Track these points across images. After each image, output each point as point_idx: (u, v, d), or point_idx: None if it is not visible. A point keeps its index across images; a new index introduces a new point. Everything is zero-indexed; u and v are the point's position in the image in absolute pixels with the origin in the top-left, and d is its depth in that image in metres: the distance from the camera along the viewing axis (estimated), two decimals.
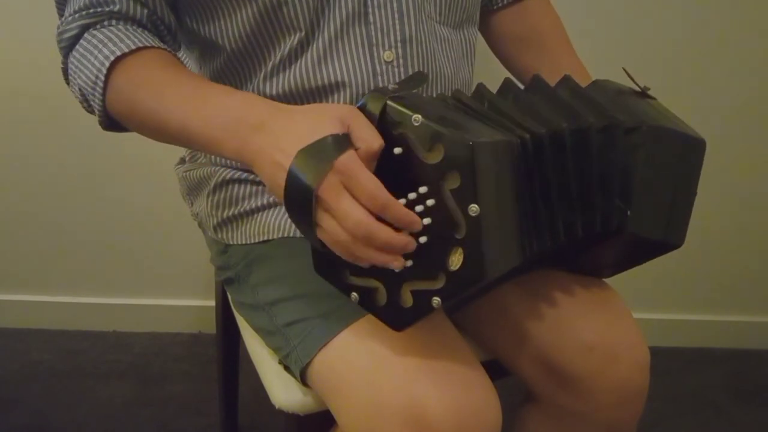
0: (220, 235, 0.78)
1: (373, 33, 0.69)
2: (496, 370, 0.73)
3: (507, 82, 0.65)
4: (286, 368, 0.70)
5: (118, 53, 0.63)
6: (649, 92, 0.66)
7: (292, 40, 0.69)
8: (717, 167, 1.42)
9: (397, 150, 0.53)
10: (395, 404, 0.57)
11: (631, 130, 0.59)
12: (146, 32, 0.67)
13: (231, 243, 0.77)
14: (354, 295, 0.59)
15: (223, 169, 0.77)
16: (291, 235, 0.72)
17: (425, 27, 0.72)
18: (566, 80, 0.65)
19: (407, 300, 0.56)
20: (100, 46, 0.64)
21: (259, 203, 0.75)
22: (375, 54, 0.70)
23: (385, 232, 0.51)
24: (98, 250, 1.49)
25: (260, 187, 0.75)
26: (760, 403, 1.44)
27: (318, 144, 0.51)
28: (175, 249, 1.49)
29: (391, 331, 0.61)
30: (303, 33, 0.68)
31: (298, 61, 0.70)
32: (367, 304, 0.58)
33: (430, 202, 0.52)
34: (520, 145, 0.55)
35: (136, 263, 1.51)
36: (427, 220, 0.53)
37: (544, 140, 0.57)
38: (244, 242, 0.76)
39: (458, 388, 0.58)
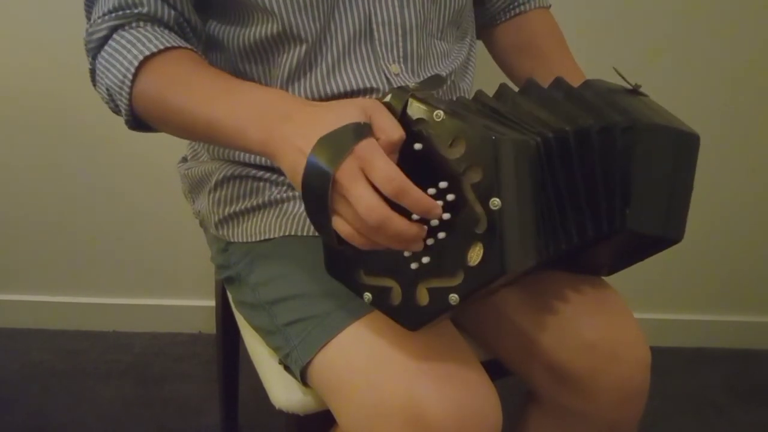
0: (221, 233, 0.79)
1: (378, 49, 0.72)
2: (496, 370, 0.73)
3: (503, 88, 0.65)
4: (286, 368, 0.70)
5: (147, 53, 0.64)
6: (641, 89, 0.67)
7: (299, 51, 0.71)
8: (716, 166, 1.43)
9: (418, 146, 0.53)
10: (395, 404, 0.57)
11: (626, 129, 0.59)
12: (173, 34, 0.68)
13: (232, 241, 0.77)
14: (367, 295, 0.59)
15: (224, 165, 0.77)
16: (292, 233, 0.73)
17: (426, 44, 0.75)
18: (558, 82, 0.65)
19: (423, 298, 0.55)
20: (129, 46, 0.65)
21: (260, 201, 0.75)
22: (382, 66, 0.72)
23: (398, 220, 0.50)
24: (98, 250, 1.49)
25: (261, 183, 0.75)
26: (760, 403, 1.44)
27: (339, 131, 0.51)
28: (175, 249, 1.49)
29: (391, 331, 0.61)
30: (310, 45, 0.70)
31: (307, 76, 0.72)
32: (381, 304, 0.58)
33: (450, 196, 0.52)
34: (540, 145, 0.55)
35: (137, 263, 1.51)
36: (446, 216, 0.52)
37: (567, 139, 0.57)
38: (245, 240, 0.76)
39: (458, 388, 0.58)
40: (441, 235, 0.53)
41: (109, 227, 1.47)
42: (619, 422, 0.72)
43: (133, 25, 0.67)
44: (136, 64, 0.64)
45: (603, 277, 0.74)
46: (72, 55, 1.28)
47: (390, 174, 0.50)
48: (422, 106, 0.54)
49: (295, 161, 0.53)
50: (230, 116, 0.59)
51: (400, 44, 0.73)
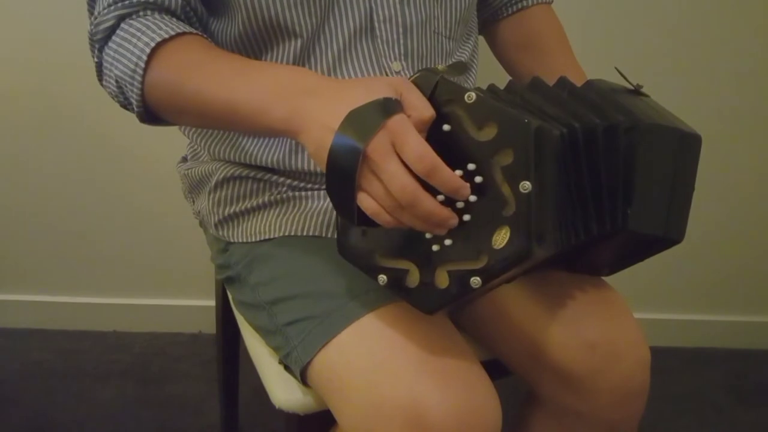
0: (221, 233, 0.79)
1: (379, 45, 0.71)
2: (496, 369, 0.73)
3: (512, 83, 0.65)
4: (287, 368, 0.70)
5: (158, 39, 0.62)
6: (642, 90, 0.67)
7: (294, 46, 0.70)
8: (716, 167, 1.43)
9: (446, 127, 0.53)
10: (395, 404, 0.57)
11: (629, 129, 0.59)
12: (180, 22, 0.67)
13: (232, 241, 0.77)
14: (382, 277, 0.58)
15: (224, 165, 0.77)
16: (293, 233, 0.73)
17: (429, 42, 0.74)
18: (562, 81, 0.65)
19: (442, 281, 0.55)
20: (139, 34, 0.63)
21: (260, 201, 0.75)
22: (383, 64, 0.72)
23: (429, 201, 0.50)
24: (98, 250, 1.49)
25: (261, 184, 0.75)
26: (760, 403, 1.44)
27: (368, 105, 0.50)
28: (175, 249, 1.49)
29: (391, 331, 0.61)
30: (305, 40, 0.69)
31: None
32: (396, 287, 0.58)
33: (478, 179, 0.52)
34: (561, 137, 0.55)
35: (136, 263, 1.51)
36: (473, 198, 0.52)
37: (576, 134, 0.57)
38: (245, 240, 0.76)
39: (458, 388, 0.58)
40: (466, 217, 0.53)
41: (109, 227, 1.47)
42: (620, 422, 0.72)
43: (140, 13, 0.66)
44: (147, 51, 0.62)
45: (603, 277, 0.74)
46: (72, 54, 1.28)
47: (422, 151, 0.49)
48: (452, 88, 0.53)
49: (321, 137, 0.52)
50: (250, 95, 0.58)
51: (401, 41, 0.72)
